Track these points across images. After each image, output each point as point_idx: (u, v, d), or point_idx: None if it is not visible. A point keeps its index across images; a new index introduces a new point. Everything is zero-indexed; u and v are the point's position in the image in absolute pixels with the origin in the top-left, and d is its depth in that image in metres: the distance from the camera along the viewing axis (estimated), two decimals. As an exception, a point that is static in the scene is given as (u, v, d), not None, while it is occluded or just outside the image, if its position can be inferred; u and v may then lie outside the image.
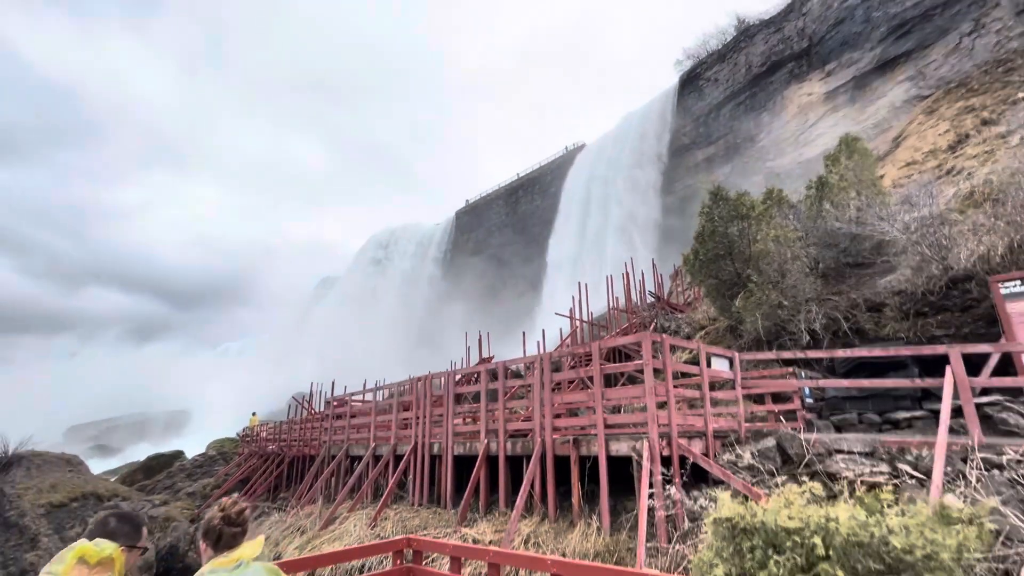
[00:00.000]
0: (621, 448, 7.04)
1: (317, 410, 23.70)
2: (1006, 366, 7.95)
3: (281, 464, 20.94)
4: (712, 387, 10.18)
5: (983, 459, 5.57)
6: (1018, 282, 8.32)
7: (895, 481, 5.80)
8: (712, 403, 8.13)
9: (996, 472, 5.40)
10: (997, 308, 8.58)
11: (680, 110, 49.96)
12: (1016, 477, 5.24)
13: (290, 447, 20.58)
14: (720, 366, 8.47)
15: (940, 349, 6.85)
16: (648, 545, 6.07)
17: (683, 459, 6.93)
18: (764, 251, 12.43)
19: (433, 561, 6.58)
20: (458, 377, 10.37)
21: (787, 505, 3.90)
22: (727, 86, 46.04)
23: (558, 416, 10.06)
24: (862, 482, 5.86)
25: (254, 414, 33.40)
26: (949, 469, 5.59)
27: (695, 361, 7.97)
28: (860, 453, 6.42)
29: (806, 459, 6.56)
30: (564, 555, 6.85)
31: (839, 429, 9.49)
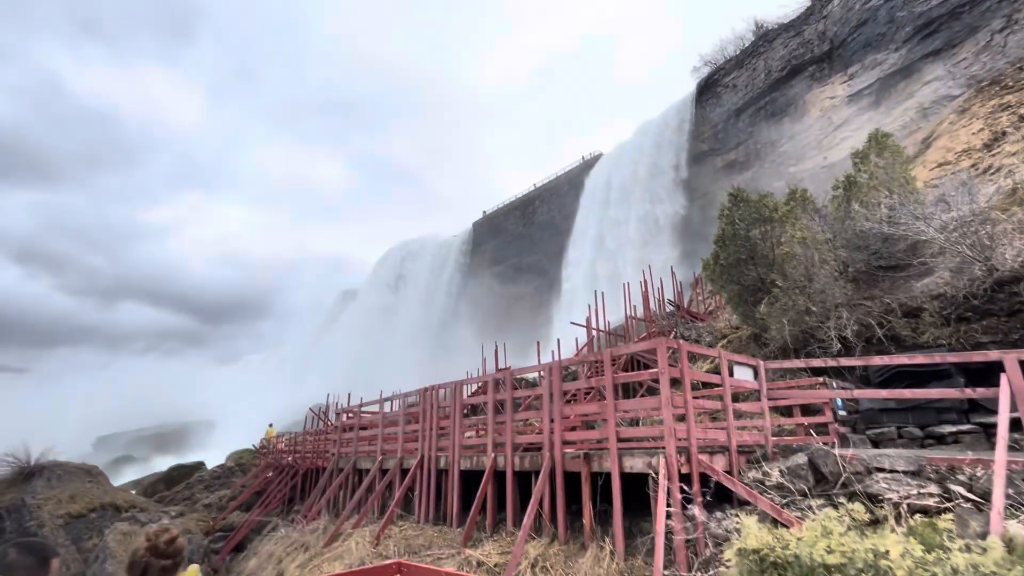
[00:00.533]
0: (636, 464, 6.49)
1: (332, 422, 23.49)
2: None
3: (296, 476, 20.70)
4: (736, 398, 9.54)
5: (1050, 480, 4.88)
6: (1076, 282, 7.55)
7: (947, 504, 5.13)
8: (736, 415, 7.53)
9: (1067, 495, 4.72)
10: (1052, 311, 7.80)
11: (698, 117, 49.25)
12: (1092, 502, 4.55)
13: (304, 459, 20.34)
14: (744, 376, 7.86)
15: (992, 355, 6.15)
16: (666, 572, 5.50)
17: (705, 477, 6.35)
18: (789, 254, 11.77)
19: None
20: (465, 388, 9.94)
21: (825, 534, 3.34)
22: (746, 92, 45.22)
23: (572, 429, 9.53)
24: (908, 506, 5.21)
25: (271, 425, 33.42)
26: (1011, 491, 4.91)
27: (717, 371, 7.39)
28: (904, 472, 5.75)
29: (842, 478, 5.91)
30: (574, 581, 6.30)
31: (876, 444, 8.75)
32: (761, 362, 8.04)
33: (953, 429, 8.22)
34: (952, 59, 30.46)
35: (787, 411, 9.94)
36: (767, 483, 6.27)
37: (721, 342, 15.66)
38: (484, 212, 78.69)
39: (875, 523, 4.78)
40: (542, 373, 8.38)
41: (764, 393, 7.82)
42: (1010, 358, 5.82)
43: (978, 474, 5.33)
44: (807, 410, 9.78)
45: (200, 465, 34.30)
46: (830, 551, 3.13)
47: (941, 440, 8.32)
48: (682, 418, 6.58)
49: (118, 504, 22.97)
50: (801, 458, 6.44)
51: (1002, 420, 5.46)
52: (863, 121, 34.77)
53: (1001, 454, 5.11)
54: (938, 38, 31.55)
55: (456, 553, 7.60)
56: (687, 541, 5.74)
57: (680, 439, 6.36)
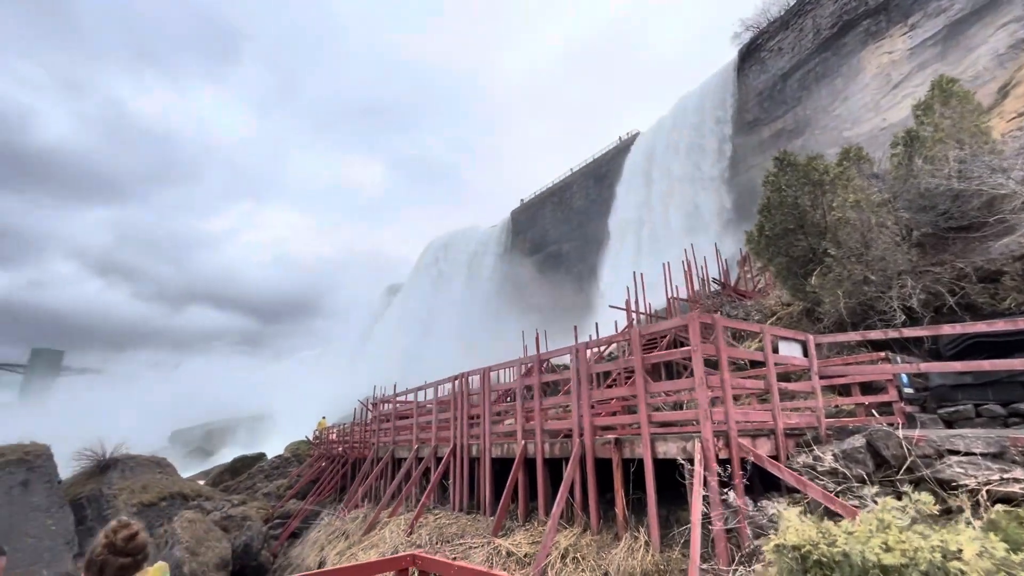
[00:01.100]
0: (670, 449, 6.01)
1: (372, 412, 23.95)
2: None
3: (345, 465, 21.26)
4: (786, 378, 8.80)
5: None
6: None
7: (1038, 492, 4.39)
8: (783, 396, 6.88)
9: None
10: None
11: (741, 86, 46.59)
12: None
13: (352, 449, 20.84)
14: (791, 352, 7.17)
15: (1091, 318, 5.25)
16: (704, 566, 5.04)
17: (748, 462, 5.80)
18: (842, 220, 10.73)
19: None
20: (494, 375, 9.67)
21: (882, 529, 2.82)
22: (793, 55, 42.31)
23: (614, 414, 9.10)
24: (988, 493, 4.50)
25: (323, 418, 34.56)
26: (1120, 476, 4.13)
27: (772, 349, 6.74)
28: (983, 454, 5.00)
29: (907, 462, 5.22)
30: (607, 573, 5.93)
31: (950, 424, 7.82)
32: (811, 336, 7.30)
33: (1043, 406, 7.21)
34: (1031, -3, 27.21)
35: (845, 390, 9.09)
36: (819, 468, 5.64)
37: (770, 320, 14.67)
38: (521, 201, 78.17)
39: (947, 513, 4.14)
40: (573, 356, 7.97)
41: (815, 370, 7.10)
42: (1115, 320, 4.92)
43: (1077, 456, 4.55)
44: (867, 389, 8.89)
45: (261, 456, 35.88)
46: (887, 549, 2.62)
47: (1028, 418, 7.32)
48: (720, 400, 6.04)
49: (185, 493, 24.33)
50: (858, 440, 5.76)
51: (1106, 392, 4.62)
52: (926, 76, 31.73)
53: (1106, 432, 4.31)
54: (1014, -26, 28.25)
55: (487, 543, 7.39)
56: (728, 532, 5.24)
57: (717, 422, 5.83)
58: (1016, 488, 4.51)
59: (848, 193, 10.68)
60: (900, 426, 6.31)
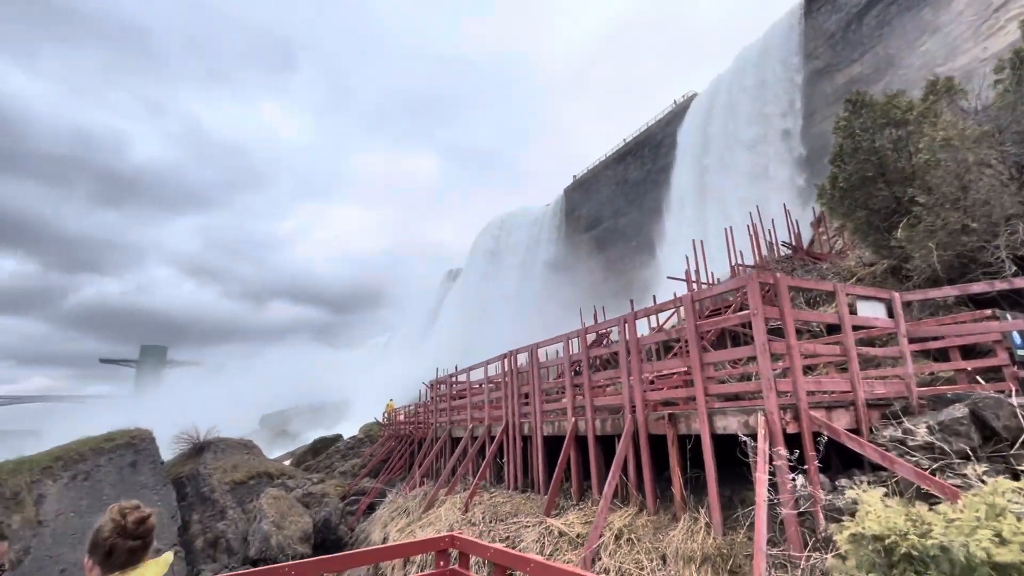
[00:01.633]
0: (729, 424, 5.45)
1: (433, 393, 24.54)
2: None
3: (411, 445, 21.99)
4: (870, 344, 7.84)
5: None
6: None
7: None
8: (866, 363, 6.07)
9: None
10: None
11: (808, 30, 42.43)
12: None
13: (417, 429, 21.50)
14: (873, 313, 6.29)
15: None
16: (772, 551, 4.52)
17: (822, 437, 5.15)
18: (931, 162, 9.35)
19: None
20: (542, 351, 9.36)
21: (994, 516, 2.25)
22: (869, -13, 37.87)
23: (678, 387, 8.55)
24: None
25: (391, 400, 35.96)
26: None
27: (850, 311, 5.94)
28: None
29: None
30: (664, 556, 5.53)
31: (1078, 390, 6.63)
32: (896, 295, 6.37)
33: None
34: None
35: (941, 355, 7.97)
36: (909, 443, 4.89)
37: (850, 282, 13.29)
38: (574, 177, 76.46)
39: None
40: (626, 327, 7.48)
41: (903, 333, 6.20)
42: None
43: None
44: (970, 353, 7.74)
45: (339, 437, 38.05)
46: (1002, 541, 2.07)
47: None
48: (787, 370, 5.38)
49: (271, 472, 26.18)
50: (960, 410, 4.94)
51: None
52: (1038, -10, 27.29)
53: None
54: None
55: (539, 522, 7.18)
56: (800, 516, 4.67)
57: (784, 393, 5.20)
58: None
59: (937, 131, 9.26)
60: (1012, 393, 5.37)
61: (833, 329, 8.87)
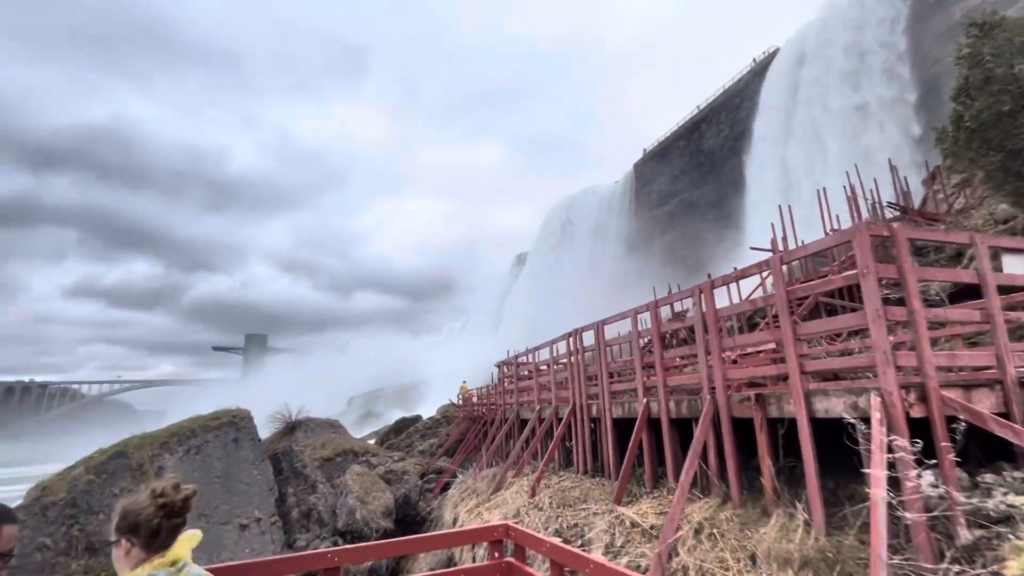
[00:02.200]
0: (833, 406, 4.58)
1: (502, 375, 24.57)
2: None
3: (485, 425, 22.24)
4: (1010, 308, 6.44)
5: None
6: None
7: None
8: (1016, 334, 4.89)
9: None
10: None
11: (917, -42, 36.90)
12: None
13: (490, 410, 21.66)
14: (1019, 269, 5.05)
15: None
16: (894, 559, 3.69)
17: (955, 422, 4.17)
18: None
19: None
20: (607, 328, 8.69)
21: None
22: None
23: (764, 365, 7.62)
24: None
25: (464, 382, 36.74)
26: None
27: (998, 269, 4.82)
28: None
29: None
30: (753, 556, 4.82)
31: None
32: (1056, 246, 5.05)
33: None
34: None
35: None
36: (1085, 431, 3.80)
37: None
38: (644, 151, 73.01)
39: None
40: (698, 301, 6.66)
41: (1066, 293, 4.92)
42: None
43: None
44: None
45: (418, 418, 39.67)
46: None
47: None
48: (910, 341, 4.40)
49: (355, 450, 27.70)
50: None
51: None
52: None
53: None
54: None
55: (609, 510, 6.65)
56: (930, 519, 3.78)
57: (906, 369, 4.25)
58: None
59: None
60: None
61: (956, 297, 7.46)
